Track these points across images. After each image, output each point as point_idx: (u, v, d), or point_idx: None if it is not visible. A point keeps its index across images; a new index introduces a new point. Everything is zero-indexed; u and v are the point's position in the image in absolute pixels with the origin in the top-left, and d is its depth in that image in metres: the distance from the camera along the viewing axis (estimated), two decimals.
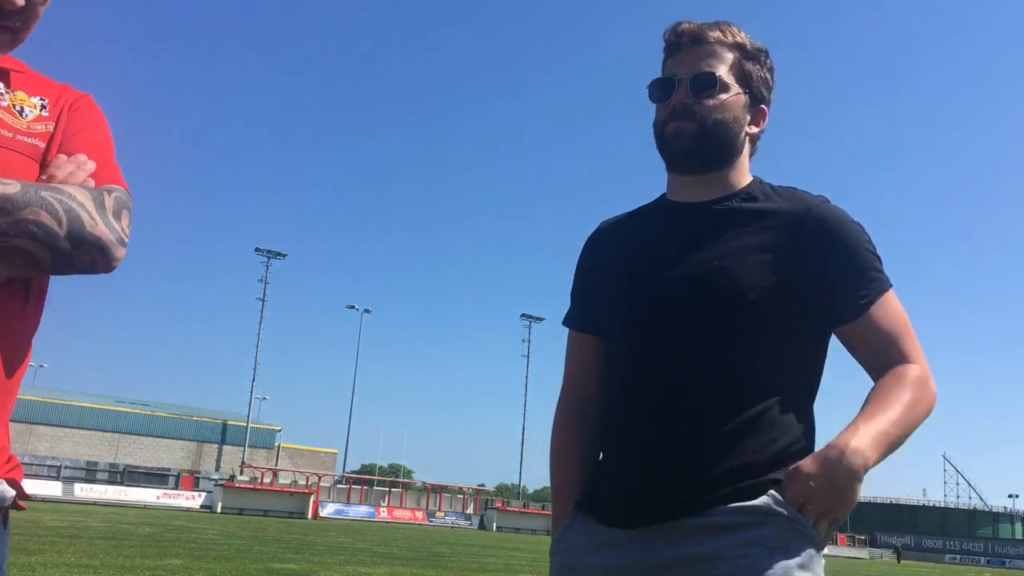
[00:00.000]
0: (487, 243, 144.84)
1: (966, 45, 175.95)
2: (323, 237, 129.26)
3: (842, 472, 1.30)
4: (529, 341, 77.75)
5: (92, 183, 1.34)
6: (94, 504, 38.29)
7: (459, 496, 62.41)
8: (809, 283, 1.45)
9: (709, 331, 1.45)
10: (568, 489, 1.61)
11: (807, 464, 1.34)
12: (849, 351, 1.50)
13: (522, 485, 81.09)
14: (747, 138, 1.58)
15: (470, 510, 58.36)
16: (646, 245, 1.58)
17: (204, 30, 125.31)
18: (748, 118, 1.57)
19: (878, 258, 1.50)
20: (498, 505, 59.11)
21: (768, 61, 1.60)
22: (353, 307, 70.08)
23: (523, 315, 78.47)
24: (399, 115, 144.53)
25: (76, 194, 1.29)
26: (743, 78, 1.55)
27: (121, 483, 46.94)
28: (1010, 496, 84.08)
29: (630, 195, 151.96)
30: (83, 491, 41.02)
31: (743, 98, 1.55)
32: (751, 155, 1.62)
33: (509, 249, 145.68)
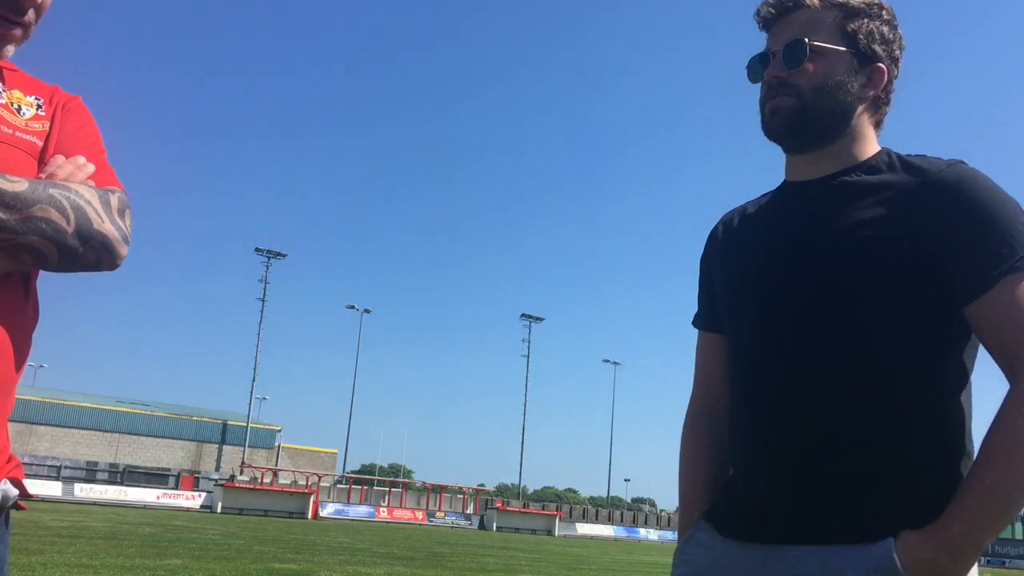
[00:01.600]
0: (487, 243, 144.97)
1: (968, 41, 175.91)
2: (323, 237, 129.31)
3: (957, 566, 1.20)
4: (529, 341, 77.95)
5: (93, 184, 1.35)
6: (94, 504, 38.29)
7: (459, 496, 62.41)
8: (935, 258, 1.29)
9: (824, 322, 1.33)
10: (693, 498, 1.55)
11: (922, 552, 1.21)
12: (977, 337, 1.32)
13: (522, 485, 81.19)
14: (861, 102, 1.44)
15: (470, 510, 58.34)
16: (758, 232, 1.49)
17: (204, 30, 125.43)
18: (858, 81, 1.43)
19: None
20: (498, 505, 59.07)
21: (883, 12, 1.45)
22: (353, 307, 70.20)
23: (523, 315, 78.67)
24: (399, 114, 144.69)
25: (83, 192, 1.31)
26: (847, 38, 1.42)
27: (121, 483, 46.94)
28: None
29: (632, 195, 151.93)
30: (83, 491, 41.02)
31: (848, 60, 1.42)
32: (877, 123, 1.48)
33: (509, 249, 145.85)
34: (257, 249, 66.26)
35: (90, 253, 1.30)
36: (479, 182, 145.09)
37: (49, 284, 1.41)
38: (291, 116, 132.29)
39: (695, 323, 1.65)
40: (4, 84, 1.41)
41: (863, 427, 1.31)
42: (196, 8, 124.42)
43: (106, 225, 1.31)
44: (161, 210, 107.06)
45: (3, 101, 1.38)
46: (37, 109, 1.42)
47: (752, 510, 1.38)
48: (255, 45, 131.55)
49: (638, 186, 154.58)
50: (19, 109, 1.39)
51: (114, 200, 1.35)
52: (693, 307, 1.67)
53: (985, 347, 1.32)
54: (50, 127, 1.42)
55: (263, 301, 65.67)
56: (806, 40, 1.42)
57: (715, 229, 1.63)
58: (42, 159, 1.38)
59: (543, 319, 79.88)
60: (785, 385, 1.36)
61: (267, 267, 66.28)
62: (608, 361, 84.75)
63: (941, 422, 1.33)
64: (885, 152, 1.44)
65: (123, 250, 1.35)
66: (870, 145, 1.46)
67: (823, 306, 1.34)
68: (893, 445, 1.30)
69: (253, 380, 64.93)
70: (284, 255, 67.47)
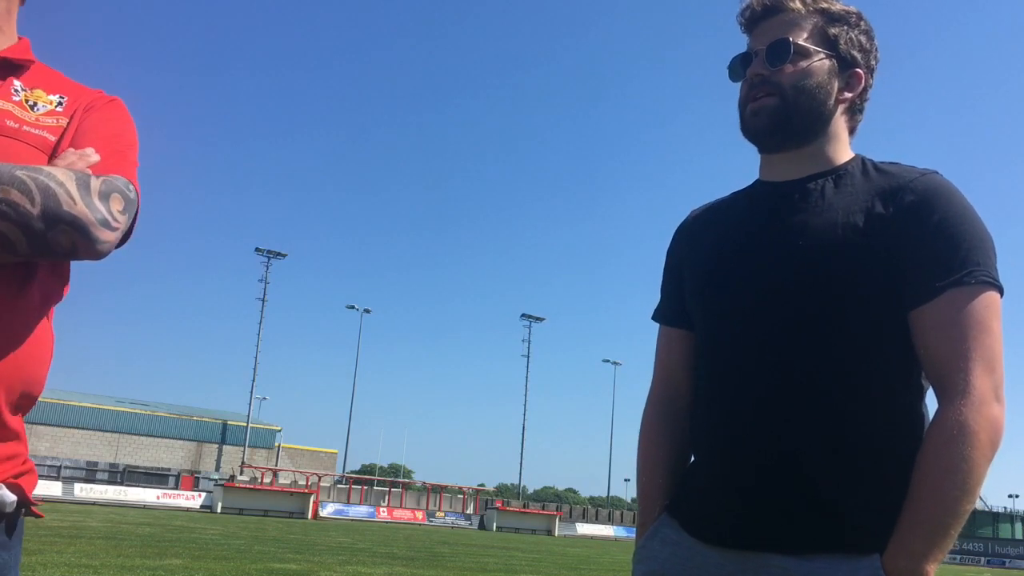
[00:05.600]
0: (487, 243, 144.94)
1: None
2: (323, 237, 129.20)
3: None
4: (529, 341, 77.94)
5: (89, 172, 1.30)
6: (94, 504, 38.26)
7: (459, 496, 62.39)
8: (898, 262, 1.31)
9: (797, 321, 1.33)
10: (653, 493, 1.54)
11: None
12: (915, 344, 1.31)
13: (522, 485, 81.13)
14: (839, 105, 1.46)
15: (470, 510, 58.30)
16: (731, 229, 1.49)
17: (203, 29, 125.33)
18: (838, 84, 1.45)
19: (983, 249, 1.30)
20: (498, 505, 58.95)
21: (862, 23, 1.48)
22: (353, 307, 70.19)
23: (523, 315, 78.67)
24: (399, 114, 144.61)
25: (56, 174, 1.23)
26: (828, 42, 1.45)
27: (121, 483, 46.94)
28: (1010, 496, 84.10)
29: (632, 194, 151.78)
30: (83, 491, 40.97)
31: (828, 63, 1.44)
32: (852, 129, 1.50)
33: (509, 249, 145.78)
34: (257, 249, 66.28)
35: (61, 237, 1.21)
36: (479, 182, 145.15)
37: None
38: (291, 116, 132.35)
39: (656, 317, 1.65)
40: (26, 83, 1.39)
41: (838, 429, 1.31)
42: (196, 7, 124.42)
43: (78, 207, 1.22)
44: (161, 209, 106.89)
45: (18, 99, 1.36)
46: (56, 106, 1.39)
47: (725, 513, 1.36)
48: (255, 45, 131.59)
49: (638, 185, 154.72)
50: (34, 105, 1.36)
51: (96, 183, 1.27)
52: None
53: (919, 359, 1.32)
54: (68, 122, 1.38)
55: (263, 301, 65.77)
56: (790, 39, 1.43)
57: (683, 224, 1.64)
58: (55, 153, 1.34)
59: (543, 319, 79.92)
60: (758, 383, 1.35)
61: (267, 267, 66.35)
62: (608, 361, 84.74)
63: (917, 425, 1.34)
64: (859, 158, 1.46)
65: (103, 235, 1.26)
66: (845, 150, 1.47)
67: (796, 305, 1.34)
68: (869, 448, 1.30)
69: (253, 380, 65.02)
70: (284, 255, 67.48)
